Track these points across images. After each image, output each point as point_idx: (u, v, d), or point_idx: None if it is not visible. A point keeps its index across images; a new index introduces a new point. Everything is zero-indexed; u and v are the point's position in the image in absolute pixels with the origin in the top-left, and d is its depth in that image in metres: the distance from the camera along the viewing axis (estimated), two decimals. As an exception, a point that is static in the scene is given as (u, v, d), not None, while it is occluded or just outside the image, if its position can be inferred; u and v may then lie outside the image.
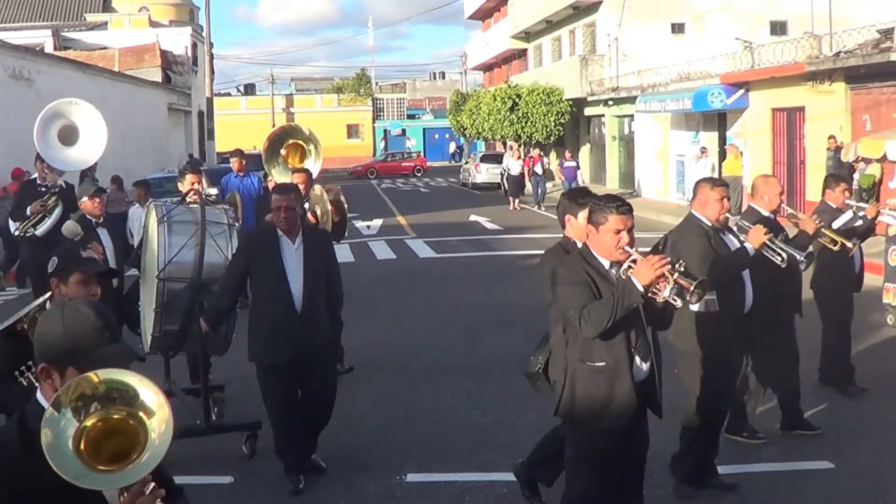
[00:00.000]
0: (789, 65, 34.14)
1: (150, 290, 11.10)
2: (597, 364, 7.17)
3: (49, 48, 55.42)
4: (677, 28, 53.52)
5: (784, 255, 9.46)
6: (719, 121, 41.04)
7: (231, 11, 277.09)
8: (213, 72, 64.10)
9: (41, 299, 6.67)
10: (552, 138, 58.40)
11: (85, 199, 12.79)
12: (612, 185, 53.83)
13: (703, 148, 39.93)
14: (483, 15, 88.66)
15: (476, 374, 14.49)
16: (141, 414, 3.79)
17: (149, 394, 3.81)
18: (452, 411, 12.68)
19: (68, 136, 15.95)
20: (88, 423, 3.75)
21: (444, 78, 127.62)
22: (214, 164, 53.63)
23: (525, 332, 17.41)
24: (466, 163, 69.66)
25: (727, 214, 9.61)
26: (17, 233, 16.86)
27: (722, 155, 39.36)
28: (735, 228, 9.94)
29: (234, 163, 21.80)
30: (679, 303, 7.01)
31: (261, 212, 16.38)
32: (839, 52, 31.90)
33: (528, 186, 48.75)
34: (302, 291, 9.72)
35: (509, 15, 73.54)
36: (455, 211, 45.04)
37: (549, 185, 49.24)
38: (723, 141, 40.44)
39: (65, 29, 64.22)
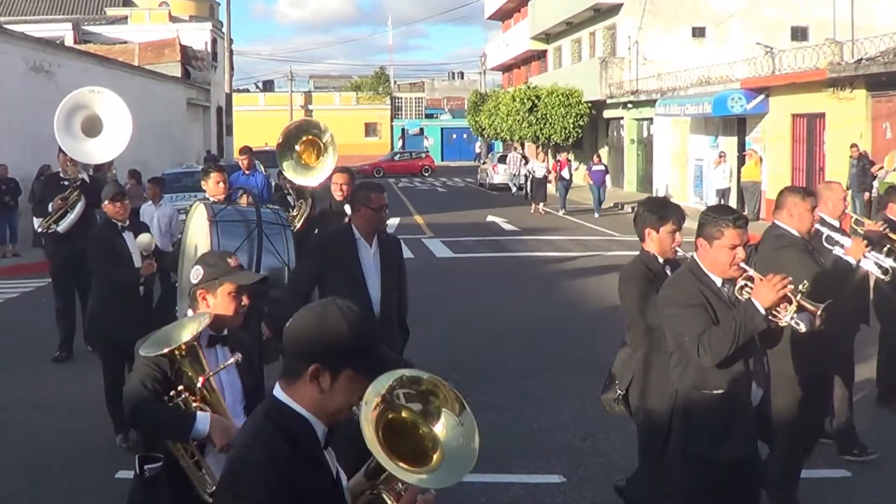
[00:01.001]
0: (810, 71, 34.03)
1: None
2: (714, 392, 6.65)
3: (69, 41, 55.40)
4: (698, 32, 53.40)
5: (887, 266, 9.04)
6: (739, 126, 40.89)
7: (250, 8, 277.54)
8: (232, 68, 64.02)
9: (199, 318, 6.07)
10: (570, 140, 58.32)
11: (106, 202, 12.22)
12: (629, 188, 53.74)
13: (722, 153, 39.80)
14: (503, 15, 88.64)
15: (493, 375, 14.43)
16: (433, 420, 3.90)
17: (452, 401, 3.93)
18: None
19: (91, 127, 15.24)
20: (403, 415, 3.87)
21: (462, 78, 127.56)
22: (232, 160, 53.62)
23: (542, 333, 17.43)
24: (484, 163, 69.58)
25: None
26: (39, 229, 16.54)
27: (741, 160, 39.26)
28: (824, 241, 9.27)
29: (242, 160, 21.44)
30: (802, 327, 6.55)
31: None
32: (861, 58, 31.82)
33: (550, 189, 48.34)
34: (380, 297, 9.27)
35: (529, 16, 73.45)
36: (472, 211, 45.02)
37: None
38: (742, 146, 40.31)
39: (85, 22, 64.22)
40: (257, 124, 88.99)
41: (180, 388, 5.80)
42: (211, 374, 5.85)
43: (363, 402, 3.75)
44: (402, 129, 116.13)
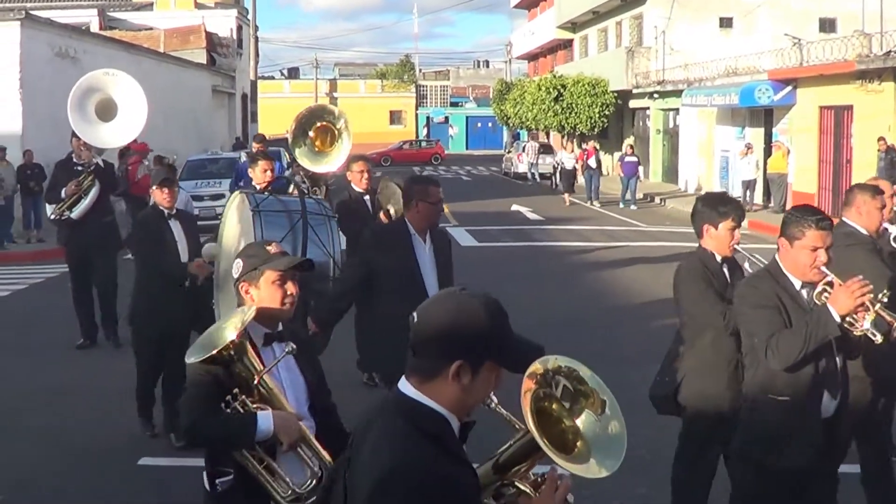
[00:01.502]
0: (838, 62, 33.81)
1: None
2: (780, 398, 6.44)
3: (95, 27, 55.52)
4: (725, 23, 53.13)
5: None
6: (766, 117, 40.74)
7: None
8: (257, 55, 64.13)
9: (242, 312, 5.70)
10: (596, 130, 58.15)
11: (154, 188, 11.57)
12: (655, 178, 53.61)
13: (748, 144, 39.62)
14: (529, 4, 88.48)
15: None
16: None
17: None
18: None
19: (106, 110, 14.78)
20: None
21: (487, 66, 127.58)
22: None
23: (564, 326, 17.34)
24: (509, 152, 69.48)
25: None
26: (52, 216, 16.07)
27: (767, 152, 39.09)
28: (892, 241, 8.90)
29: (255, 148, 20.70)
30: (878, 338, 6.27)
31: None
32: (889, 51, 31.57)
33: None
34: None
35: (556, 5, 73.16)
36: (497, 200, 44.96)
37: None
38: (769, 137, 40.14)
39: (111, 9, 64.31)
40: (282, 111, 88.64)
41: (235, 390, 5.50)
42: (265, 370, 5.54)
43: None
44: (427, 118, 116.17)
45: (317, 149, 13.70)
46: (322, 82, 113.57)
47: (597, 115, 57.61)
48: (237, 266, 5.91)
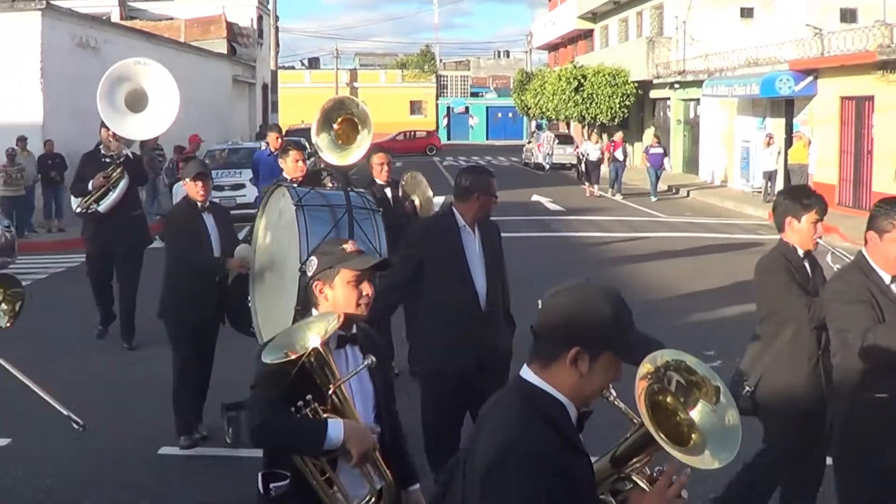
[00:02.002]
0: (859, 53, 33.65)
1: (279, 286, 9.33)
2: (877, 395, 6.24)
3: (115, 17, 55.60)
4: (746, 13, 52.91)
5: None
6: (786, 108, 40.60)
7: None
8: (278, 44, 64.08)
9: (327, 319, 5.42)
10: (616, 120, 58.08)
11: (187, 180, 11.10)
12: (675, 169, 53.47)
13: (770, 135, 39.50)
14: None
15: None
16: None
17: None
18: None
19: (136, 101, 14.05)
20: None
21: (508, 56, 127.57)
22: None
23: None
24: (529, 142, 69.38)
25: None
26: (77, 209, 15.50)
27: (788, 142, 38.97)
28: None
29: (272, 138, 20.07)
30: None
31: None
32: (911, 41, 31.46)
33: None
34: (486, 289, 8.53)
35: (577, -5, 73.09)
36: (517, 190, 44.90)
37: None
38: (790, 128, 40.00)
39: (132, -1, 64.47)
40: (303, 102, 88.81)
41: (308, 397, 5.27)
42: (342, 380, 5.35)
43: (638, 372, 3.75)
44: (448, 108, 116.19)
45: (340, 141, 13.48)
46: (342, 72, 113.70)
47: (617, 106, 57.59)
48: (311, 264, 5.71)
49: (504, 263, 9.02)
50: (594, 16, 71.45)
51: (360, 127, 13.59)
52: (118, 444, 11.06)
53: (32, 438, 11.29)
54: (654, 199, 41.20)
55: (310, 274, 5.64)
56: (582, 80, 58.59)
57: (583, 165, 46.41)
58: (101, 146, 15.50)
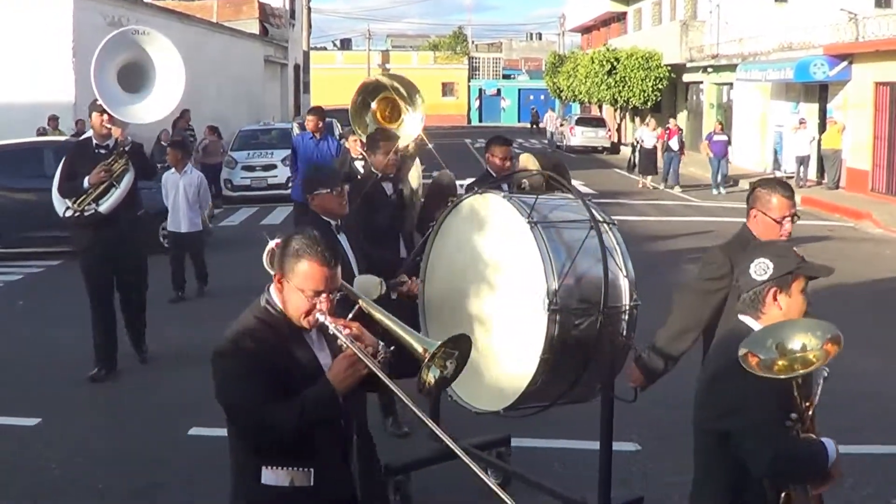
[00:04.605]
0: (894, 38, 33.42)
1: (482, 321, 7.67)
2: None
3: (148, -3, 55.71)
4: (781, -4, 52.63)
5: None
6: (820, 93, 40.36)
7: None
8: (310, 25, 64.21)
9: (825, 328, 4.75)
10: (649, 104, 57.92)
11: (323, 192, 8.15)
12: (707, 153, 53.23)
13: (802, 119, 39.25)
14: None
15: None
16: None
17: None
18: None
19: (135, 77, 12.12)
20: None
21: (540, 39, 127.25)
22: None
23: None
24: (561, 125, 69.22)
25: None
26: (68, 214, 12.50)
27: (822, 127, 38.74)
28: None
29: (309, 122, 19.03)
30: None
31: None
32: (948, 26, 31.23)
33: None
34: None
35: (610, -23, 72.86)
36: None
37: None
38: (823, 113, 39.77)
39: (165, -22, 64.56)
40: (334, 83, 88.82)
41: (793, 415, 4.87)
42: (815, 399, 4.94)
43: None
44: (480, 90, 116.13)
45: (378, 121, 13.08)
46: (374, 54, 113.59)
47: (650, 89, 57.40)
48: (763, 267, 5.12)
49: None
50: (627, -2, 71.25)
51: (402, 106, 13.09)
52: (148, 424, 11.08)
53: (62, 419, 11.34)
54: (716, 192, 37.84)
55: (762, 278, 5.10)
56: (615, 63, 58.41)
57: (637, 154, 42.40)
58: (91, 135, 12.73)
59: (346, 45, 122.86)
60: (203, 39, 44.70)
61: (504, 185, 9.84)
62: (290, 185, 22.60)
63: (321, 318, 4.78)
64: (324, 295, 4.79)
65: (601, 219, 7.54)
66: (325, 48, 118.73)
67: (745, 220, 6.74)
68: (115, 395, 12.11)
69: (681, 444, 9.52)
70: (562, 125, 67.87)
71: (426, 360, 4.74)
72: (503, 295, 7.48)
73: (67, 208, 12.41)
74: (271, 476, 4.97)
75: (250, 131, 38.03)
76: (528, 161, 12.58)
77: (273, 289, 4.96)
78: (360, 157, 14.57)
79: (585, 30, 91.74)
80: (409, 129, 12.83)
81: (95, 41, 25.07)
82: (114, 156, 12.27)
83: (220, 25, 53.26)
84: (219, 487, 9.34)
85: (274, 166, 32.70)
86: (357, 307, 5.17)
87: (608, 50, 61.40)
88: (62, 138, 26.06)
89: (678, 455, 9.46)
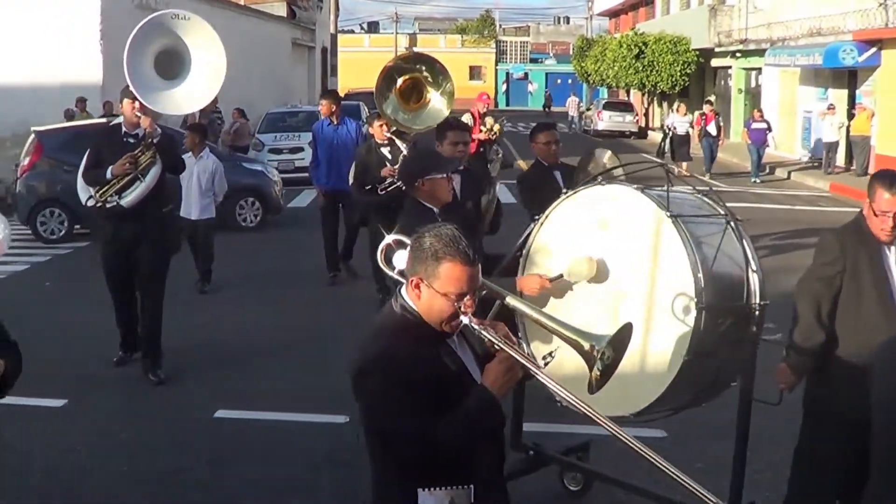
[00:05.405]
0: (925, 24, 33.25)
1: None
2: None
3: (177, -21, 55.73)
4: (810, -19, 52.40)
5: None
6: (849, 79, 40.14)
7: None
8: (337, 8, 64.21)
9: None
10: (677, 88, 57.73)
11: (428, 178, 7.80)
12: (735, 138, 52.97)
13: (831, 105, 39.02)
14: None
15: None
16: None
17: None
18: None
19: (171, 64, 11.45)
20: None
21: (568, 23, 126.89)
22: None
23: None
24: (589, 109, 69.01)
25: None
26: (90, 203, 11.92)
27: (851, 114, 38.51)
28: None
29: (323, 106, 17.89)
30: None
31: (365, 170, 14.35)
32: (979, 12, 31.02)
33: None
34: None
35: (638, -39, 72.61)
36: (576, 158, 44.56)
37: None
38: (852, 99, 39.54)
39: (193, -40, 64.60)
40: (362, 66, 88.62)
41: None
42: None
43: None
44: (507, 73, 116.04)
45: (402, 104, 12.91)
46: (402, 37, 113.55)
47: (678, 74, 57.19)
48: None
49: None
50: (656, -18, 70.99)
51: (426, 87, 12.91)
52: (174, 407, 11.11)
53: (89, 400, 11.38)
54: (754, 180, 36.60)
55: None
56: (643, 48, 58.25)
57: (668, 141, 41.22)
58: (122, 122, 12.00)
59: (373, 27, 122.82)
60: (231, 22, 44.66)
61: (557, 174, 9.72)
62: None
63: (467, 322, 4.52)
64: (467, 297, 4.52)
65: (725, 211, 7.23)
66: (352, 31, 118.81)
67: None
68: (141, 377, 12.12)
69: (704, 430, 9.59)
70: (588, 109, 67.67)
71: (596, 357, 4.64)
72: (640, 293, 6.97)
73: (90, 197, 11.86)
74: (430, 499, 4.57)
75: (277, 114, 38.00)
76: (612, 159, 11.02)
77: (406, 292, 4.65)
78: (386, 142, 14.60)
79: (613, 14, 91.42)
80: (435, 111, 12.78)
81: (123, 22, 24.59)
82: (141, 146, 11.57)
83: (248, 8, 53.28)
84: (245, 470, 9.44)
85: (301, 149, 32.63)
86: (497, 304, 5.03)
87: (636, 34, 61.22)
88: (101, 120, 26.04)
89: (703, 441, 9.52)
